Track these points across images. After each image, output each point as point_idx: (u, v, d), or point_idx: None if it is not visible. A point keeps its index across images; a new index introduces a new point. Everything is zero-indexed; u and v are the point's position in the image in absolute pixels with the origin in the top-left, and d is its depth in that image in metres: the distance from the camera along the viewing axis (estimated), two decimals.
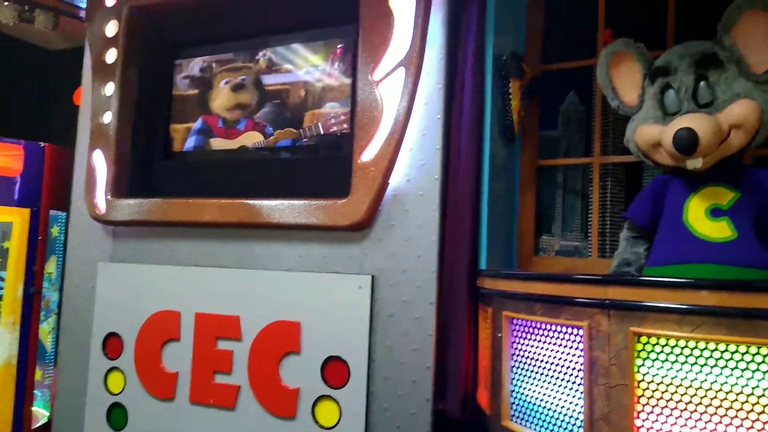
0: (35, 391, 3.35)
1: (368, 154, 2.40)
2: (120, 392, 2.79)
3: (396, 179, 2.42)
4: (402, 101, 2.35)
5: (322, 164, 2.66)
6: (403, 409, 2.30)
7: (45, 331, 3.41)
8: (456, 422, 2.23)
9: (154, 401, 2.70)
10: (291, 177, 2.71)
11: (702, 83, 1.93)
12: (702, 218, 1.86)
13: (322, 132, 2.67)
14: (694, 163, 1.85)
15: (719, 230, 1.83)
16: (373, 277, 2.39)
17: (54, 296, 3.45)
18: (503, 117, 2.52)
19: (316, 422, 2.40)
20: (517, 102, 2.51)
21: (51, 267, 3.42)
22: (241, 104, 2.88)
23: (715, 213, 1.85)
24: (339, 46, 2.67)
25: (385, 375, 2.34)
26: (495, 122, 2.47)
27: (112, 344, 2.84)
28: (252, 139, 2.84)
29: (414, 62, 2.35)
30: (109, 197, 2.92)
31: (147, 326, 2.76)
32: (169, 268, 2.79)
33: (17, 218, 3.21)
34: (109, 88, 3.00)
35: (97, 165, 2.97)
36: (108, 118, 2.99)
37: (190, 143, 2.99)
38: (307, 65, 2.75)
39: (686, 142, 1.79)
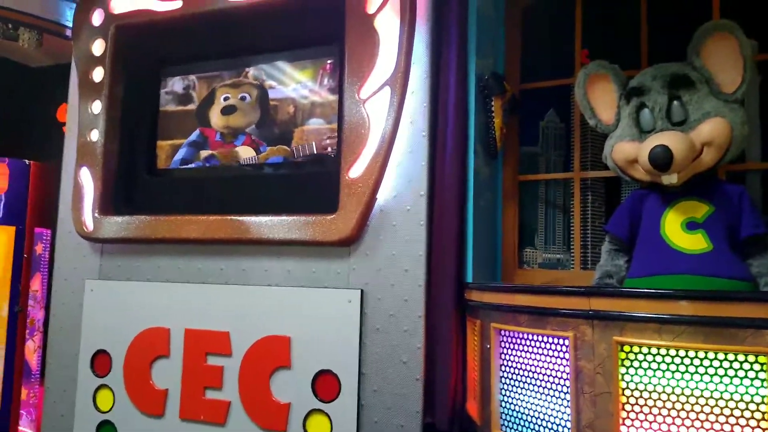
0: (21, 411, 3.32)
1: (356, 170, 2.45)
2: (109, 410, 2.78)
3: (383, 195, 2.47)
4: (388, 119, 2.42)
5: (310, 180, 2.70)
6: (393, 421, 2.34)
7: (30, 349, 3.39)
8: None
9: (144, 418, 2.70)
10: (279, 193, 2.75)
11: (675, 102, 2.02)
12: (678, 231, 1.94)
13: (315, 151, 2.71)
14: (670, 179, 1.93)
15: (695, 242, 1.91)
16: (361, 291, 2.44)
17: (39, 314, 3.43)
18: (486, 134, 2.59)
19: None
20: (500, 119, 2.59)
21: (35, 285, 3.40)
22: (230, 127, 2.91)
23: (690, 226, 1.93)
24: (328, 62, 2.72)
25: (374, 388, 2.38)
26: (478, 139, 2.55)
27: (100, 362, 2.84)
28: (246, 153, 2.87)
29: (399, 81, 2.42)
30: (96, 215, 2.93)
31: (136, 343, 2.76)
32: (157, 285, 2.80)
33: (2, 236, 3.21)
34: (96, 106, 3.03)
35: (84, 182, 2.98)
36: (95, 135, 3.00)
37: (180, 155, 3.01)
38: (295, 82, 2.80)
39: (661, 159, 1.88)
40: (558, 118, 2.88)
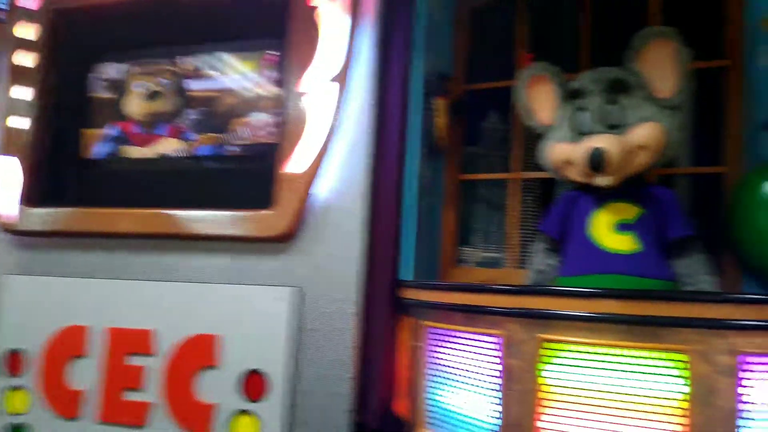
0: None
1: (294, 165, 2.40)
2: (24, 412, 2.62)
3: (322, 192, 2.43)
4: (330, 115, 2.38)
5: (246, 175, 2.61)
6: (324, 421, 2.29)
7: None
8: None
9: (59, 421, 2.55)
10: (214, 187, 2.65)
11: (612, 106, 2.05)
12: (609, 232, 1.97)
13: (251, 143, 2.63)
14: (604, 180, 1.96)
15: (625, 243, 1.94)
16: (296, 289, 2.38)
17: None
18: (428, 133, 2.59)
19: None
20: (443, 119, 2.59)
21: None
22: (156, 113, 2.81)
23: (622, 227, 1.96)
24: (270, 54, 2.65)
25: (306, 387, 2.33)
26: (421, 139, 2.54)
27: (13, 361, 2.67)
28: (169, 146, 2.76)
29: (342, 77, 2.39)
30: (21, 206, 2.77)
31: (52, 342, 2.61)
32: (80, 280, 2.66)
33: None
34: (27, 93, 2.87)
35: (8, 172, 2.82)
36: (23, 123, 2.85)
37: (102, 150, 2.88)
38: (234, 73, 2.72)
39: (597, 161, 1.90)
40: (500, 120, 2.90)
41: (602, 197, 2.05)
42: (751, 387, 1.46)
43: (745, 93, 2.30)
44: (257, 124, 2.64)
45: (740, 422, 1.44)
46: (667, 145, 1.99)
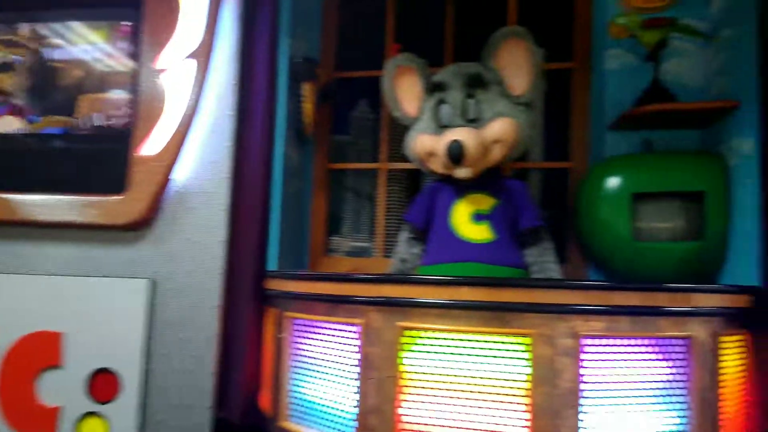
0: None
1: (150, 147, 2.23)
2: None
3: (181, 176, 2.28)
4: (190, 94, 2.23)
5: (96, 156, 2.38)
6: (182, 419, 2.17)
7: None
8: (238, 428, 2.16)
9: None
10: (60, 170, 2.40)
11: (470, 100, 2.12)
12: (466, 222, 2.05)
13: (101, 122, 2.38)
14: (462, 172, 2.02)
15: (481, 233, 2.03)
16: (151, 280, 2.23)
17: None
18: (296, 119, 2.53)
19: None
20: (310, 105, 2.54)
21: None
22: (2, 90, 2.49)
23: (477, 217, 2.04)
24: (124, 25, 2.42)
25: (161, 385, 2.19)
26: (288, 123, 2.47)
27: None
28: (8, 125, 2.46)
29: (203, 54, 2.24)
30: None
31: None
32: None
33: None
34: None
35: None
36: None
37: None
38: (85, 43, 2.46)
39: (456, 153, 1.95)
40: (369, 109, 2.91)
41: (462, 189, 2.12)
42: (591, 368, 1.58)
43: (593, 94, 2.48)
44: (111, 102, 2.42)
45: (581, 401, 1.55)
46: (520, 140, 2.08)
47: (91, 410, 2.17)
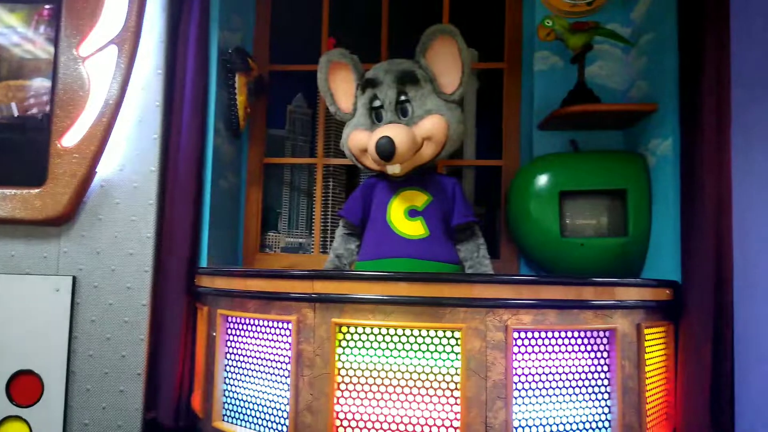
0: None
1: (71, 138, 2.13)
2: None
3: (106, 169, 2.19)
4: (113, 83, 2.15)
5: (11, 147, 2.24)
6: (109, 422, 2.09)
7: None
8: (169, 430, 2.10)
9: None
10: None
11: (402, 97, 2.12)
12: (401, 218, 2.06)
13: (16, 114, 2.24)
14: (393, 169, 2.03)
15: (415, 229, 2.04)
16: (74, 278, 2.13)
17: None
18: (228, 111, 2.47)
19: None
20: (243, 97, 2.48)
21: None
22: None
23: (411, 213, 2.06)
24: (45, 8, 2.28)
25: (86, 387, 2.10)
26: (219, 116, 2.41)
27: None
28: None
29: (129, 41, 2.15)
30: None
31: None
32: None
33: None
34: None
35: None
36: None
37: None
38: (2, 26, 2.30)
39: (385, 150, 1.95)
40: (306, 104, 2.89)
41: (396, 185, 2.13)
42: (520, 360, 1.63)
43: (523, 94, 2.55)
44: (30, 90, 2.28)
45: (510, 392, 1.60)
46: (451, 138, 2.09)
47: (12, 414, 2.06)
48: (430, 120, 2.05)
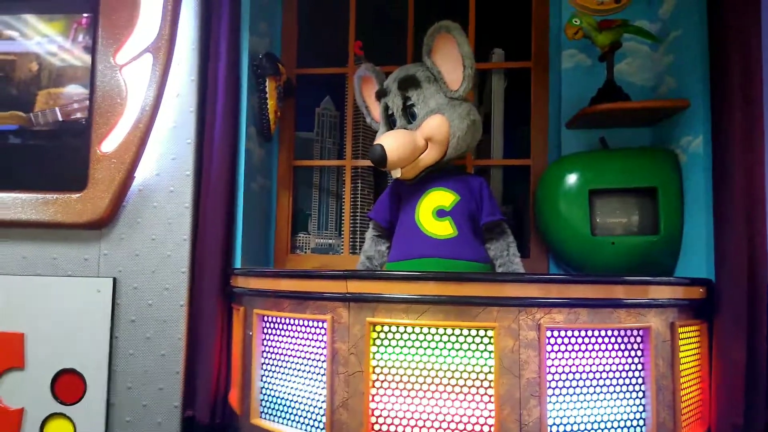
0: None
1: (110, 144, 2.20)
2: None
3: (143, 173, 2.26)
4: (149, 90, 2.21)
5: (54, 153, 2.32)
6: (149, 419, 2.16)
7: None
8: (206, 427, 2.16)
9: None
10: (15, 166, 2.33)
11: (408, 102, 2.15)
12: (430, 218, 2.08)
13: (60, 118, 2.32)
14: (395, 174, 2.08)
15: (443, 229, 2.06)
16: (114, 279, 2.20)
17: None
18: (259, 116, 2.52)
19: None
20: (274, 101, 2.53)
21: None
22: None
23: (440, 214, 2.08)
24: (84, 17, 2.34)
25: (128, 385, 2.17)
26: (251, 120, 2.46)
27: None
28: None
29: (163, 49, 2.21)
30: None
31: None
32: None
33: None
34: None
35: None
36: None
37: None
38: (42, 35, 2.38)
39: (376, 157, 2.01)
40: (333, 106, 2.93)
41: (424, 186, 2.14)
42: (553, 358, 1.64)
43: (551, 93, 2.56)
44: (67, 96, 2.35)
45: (544, 390, 1.61)
46: (452, 135, 2.07)
47: (56, 411, 2.14)
48: (429, 121, 2.07)
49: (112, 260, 2.23)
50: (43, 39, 2.38)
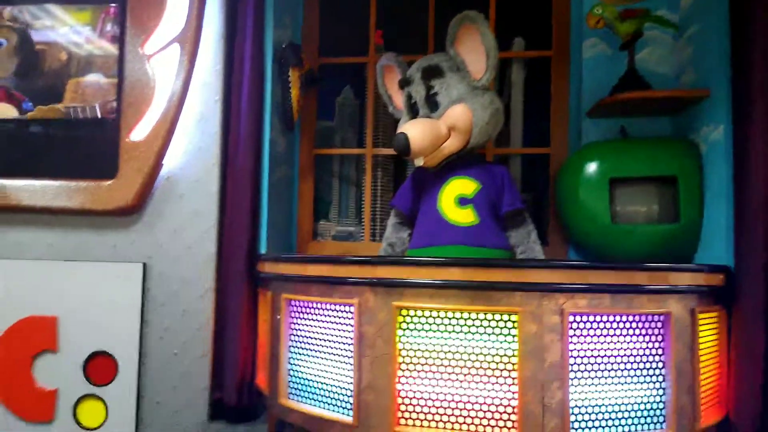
0: None
1: (139, 133, 2.25)
2: None
3: (170, 162, 2.31)
4: (177, 79, 2.26)
5: (84, 141, 2.37)
6: (178, 400, 2.23)
7: None
8: (233, 408, 2.22)
9: None
10: (48, 154, 2.38)
11: (432, 91, 2.17)
12: (452, 206, 2.12)
13: (99, 115, 2.35)
14: (417, 162, 2.12)
15: (465, 216, 2.10)
16: (143, 264, 2.26)
17: None
18: (283, 105, 2.56)
19: (79, 423, 2.22)
20: (297, 91, 2.57)
21: None
22: None
23: (462, 201, 2.11)
24: (111, 6, 2.38)
25: (157, 367, 2.24)
26: (274, 110, 2.50)
27: None
28: (5, 112, 2.41)
29: (190, 39, 2.26)
30: None
31: None
32: None
33: None
34: None
35: None
36: None
37: None
38: (68, 26, 2.42)
39: (400, 146, 2.05)
40: (353, 95, 2.96)
41: (446, 174, 2.18)
42: (576, 343, 1.68)
43: (572, 82, 2.57)
44: (97, 86, 2.40)
45: (567, 375, 1.66)
46: (475, 124, 2.10)
47: (88, 392, 2.21)
48: (452, 110, 2.10)
49: (141, 246, 2.29)
50: (70, 29, 2.43)
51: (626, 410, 1.70)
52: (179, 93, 2.26)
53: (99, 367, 2.23)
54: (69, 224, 2.32)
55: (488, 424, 1.67)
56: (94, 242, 2.31)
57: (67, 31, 2.43)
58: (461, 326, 1.71)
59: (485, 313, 1.70)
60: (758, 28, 1.85)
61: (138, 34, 2.29)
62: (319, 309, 1.93)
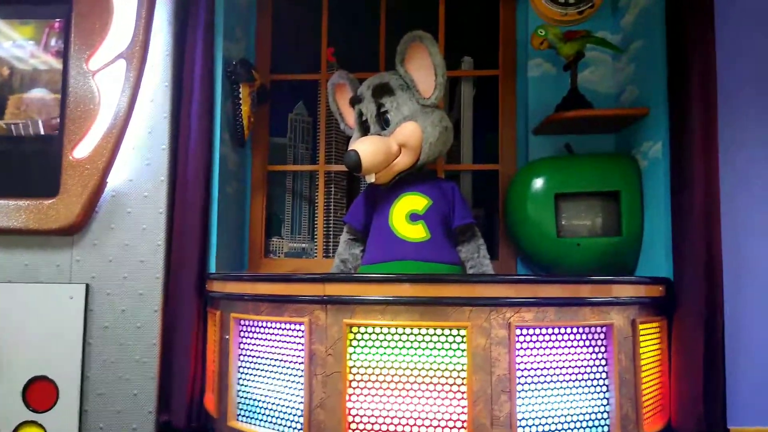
0: None
1: (82, 150, 2.19)
2: None
3: (116, 179, 2.26)
4: (123, 95, 2.21)
5: (25, 158, 2.29)
6: (123, 425, 2.16)
7: None
8: (182, 431, 2.16)
9: None
10: None
11: (382, 109, 2.21)
12: (403, 222, 2.14)
13: (42, 132, 2.27)
14: (369, 178, 2.14)
15: (416, 232, 2.12)
16: (87, 285, 2.19)
17: None
18: (233, 121, 2.54)
19: None
20: (248, 107, 2.55)
21: None
22: None
23: (413, 217, 2.14)
24: (56, 22, 2.32)
25: (100, 391, 2.16)
26: (225, 126, 2.48)
27: None
28: None
29: (137, 55, 2.22)
30: None
31: None
32: None
33: None
34: None
35: None
36: None
37: None
38: (12, 40, 2.34)
39: (351, 162, 2.07)
40: (306, 112, 2.96)
41: (397, 190, 2.20)
42: (523, 356, 1.71)
43: (518, 101, 2.64)
44: (41, 102, 2.32)
45: (514, 386, 1.68)
46: (425, 141, 2.13)
47: (28, 419, 2.12)
48: (402, 128, 2.14)
49: (85, 266, 2.22)
50: (14, 44, 2.36)
51: (572, 420, 1.74)
52: (125, 109, 2.21)
53: (39, 393, 2.13)
54: (12, 244, 2.23)
55: None
56: (39, 263, 2.22)
57: (9, 46, 2.36)
58: (411, 342, 1.71)
59: (435, 328, 1.71)
60: (694, 48, 1.95)
61: (83, 50, 2.24)
62: (268, 328, 1.91)
